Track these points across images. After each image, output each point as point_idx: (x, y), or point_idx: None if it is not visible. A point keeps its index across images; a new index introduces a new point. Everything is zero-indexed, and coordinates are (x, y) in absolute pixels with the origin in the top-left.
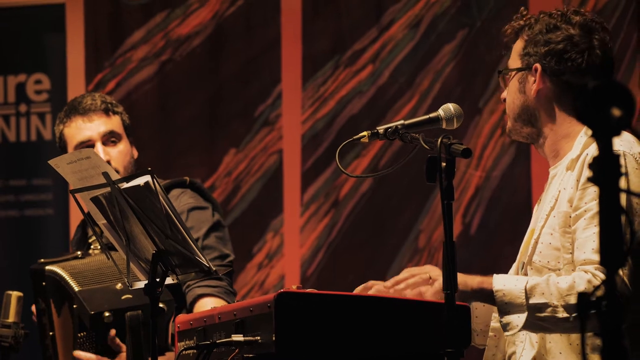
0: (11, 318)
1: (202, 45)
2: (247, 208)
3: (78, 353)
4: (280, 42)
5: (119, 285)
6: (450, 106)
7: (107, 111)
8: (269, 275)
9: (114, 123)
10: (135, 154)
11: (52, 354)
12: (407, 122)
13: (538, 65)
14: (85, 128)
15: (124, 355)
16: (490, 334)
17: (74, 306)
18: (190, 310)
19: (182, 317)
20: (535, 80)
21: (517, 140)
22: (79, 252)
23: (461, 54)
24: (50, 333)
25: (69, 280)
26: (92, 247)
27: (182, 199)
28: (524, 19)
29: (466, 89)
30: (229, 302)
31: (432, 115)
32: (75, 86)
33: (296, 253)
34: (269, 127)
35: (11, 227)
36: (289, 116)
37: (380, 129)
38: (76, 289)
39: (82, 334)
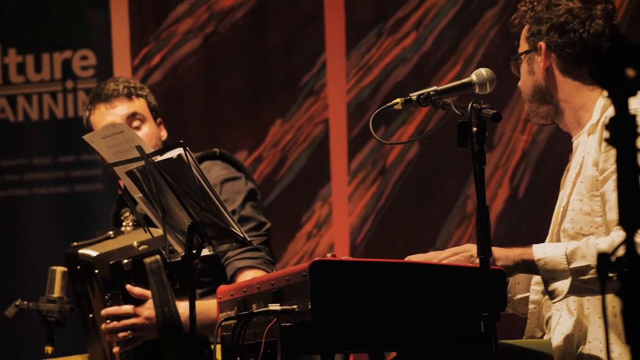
0: (56, 293)
1: (245, 16)
2: (295, 178)
3: (106, 310)
4: (323, 11)
5: (135, 243)
6: (483, 71)
7: (129, 95)
8: (319, 244)
9: (137, 106)
10: (164, 134)
11: (94, 335)
12: (440, 88)
13: (542, 44)
14: (108, 114)
15: (150, 301)
16: (531, 306)
17: (96, 271)
18: (231, 283)
19: (223, 288)
20: (542, 59)
21: (538, 123)
22: (111, 232)
23: (504, 18)
24: (90, 315)
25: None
26: (123, 224)
27: (213, 171)
28: (527, 4)
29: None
30: (268, 272)
31: (464, 80)
32: (121, 61)
33: (345, 221)
34: (314, 96)
35: (61, 203)
36: (333, 85)
37: (413, 95)
38: (94, 254)
39: (107, 295)
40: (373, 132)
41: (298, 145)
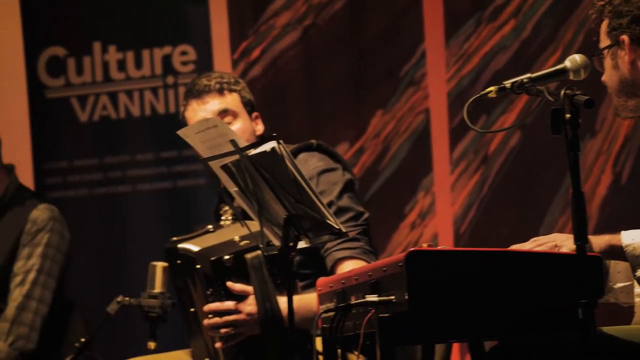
0: (157, 289)
1: (343, 8)
2: (397, 168)
3: (208, 306)
4: (421, 1)
5: (236, 238)
6: (577, 57)
7: (221, 91)
8: (422, 234)
9: (229, 101)
10: (260, 129)
11: (196, 330)
12: (533, 75)
13: (625, 37)
14: (199, 110)
15: (252, 297)
16: (637, 299)
17: (197, 266)
18: (331, 274)
19: (322, 280)
20: (626, 52)
21: (627, 117)
22: (210, 226)
23: None
24: (191, 310)
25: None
26: (222, 217)
27: (310, 163)
28: None
29: None
30: (368, 262)
31: (558, 67)
32: (221, 56)
33: (448, 211)
34: (415, 86)
35: (164, 198)
36: (433, 75)
37: (507, 83)
38: (195, 249)
39: (209, 291)
40: (467, 121)
41: (399, 136)
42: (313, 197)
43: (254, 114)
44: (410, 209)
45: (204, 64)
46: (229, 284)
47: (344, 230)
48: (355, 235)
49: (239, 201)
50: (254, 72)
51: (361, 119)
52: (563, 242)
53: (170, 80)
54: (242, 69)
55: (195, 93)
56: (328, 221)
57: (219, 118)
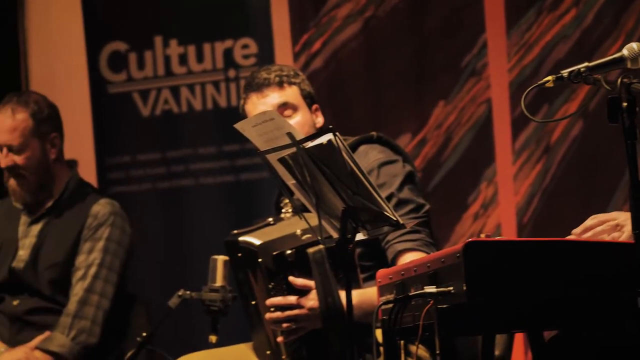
0: (218, 282)
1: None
2: (459, 159)
3: (270, 300)
4: None
5: (298, 231)
6: (634, 45)
7: (280, 84)
8: (486, 224)
9: (289, 95)
10: (320, 121)
11: (257, 323)
12: (591, 64)
13: None
14: (259, 104)
15: (314, 292)
16: None
17: (259, 260)
18: (392, 266)
19: (382, 272)
20: None
21: None
22: (270, 219)
23: None
24: (253, 302)
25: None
26: (283, 210)
27: (371, 155)
28: None
29: None
30: (428, 254)
31: (615, 55)
32: (282, 48)
33: (511, 201)
34: (476, 77)
35: (227, 192)
36: (495, 65)
37: (565, 72)
38: (257, 243)
39: (271, 284)
40: (525, 110)
41: (461, 126)
42: (370, 189)
43: (314, 107)
44: (473, 200)
45: (266, 57)
46: (291, 279)
47: (401, 222)
48: (416, 227)
49: (297, 194)
50: (315, 64)
51: (423, 110)
52: (625, 222)
53: (231, 73)
54: (304, 61)
55: (255, 86)
56: (386, 213)
57: (275, 111)
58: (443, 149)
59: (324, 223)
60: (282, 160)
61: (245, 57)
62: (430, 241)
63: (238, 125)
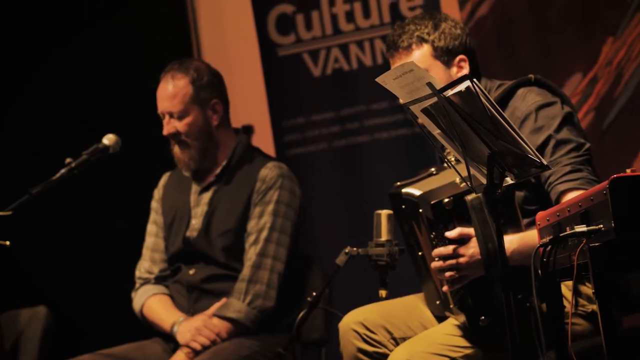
0: (384, 236)
1: None
2: (632, 95)
3: (435, 251)
4: None
5: (457, 180)
6: None
7: (408, 47)
8: None
9: (416, 58)
10: (465, 70)
11: (425, 274)
12: None
13: None
14: (392, 64)
15: (474, 239)
16: None
17: (420, 210)
18: None
19: (541, 215)
20: None
21: None
22: (433, 169)
23: None
24: (419, 253)
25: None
26: (446, 159)
27: (529, 98)
28: None
29: None
30: None
31: None
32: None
33: None
34: None
35: (403, 146)
36: None
37: None
38: (417, 194)
39: (432, 234)
40: None
41: (632, 62)
42: (512, 132)
43: (458, 58)
44: None
45: (432, 8)
46: (447, 233)
47: (545, 162)
48: (578, 166)
49: (443, 143)
50: (481, 11)
51: (592, 48)
52: None
53: None
54: (470, 9)
55: (386, 48)
56: (530, 155)
57: (414, 62)
58: (615, 85)
59: (472, 170)
60: (425, 111)
61: (411, 9)
62: (594, 179)
63: (379, 79)
